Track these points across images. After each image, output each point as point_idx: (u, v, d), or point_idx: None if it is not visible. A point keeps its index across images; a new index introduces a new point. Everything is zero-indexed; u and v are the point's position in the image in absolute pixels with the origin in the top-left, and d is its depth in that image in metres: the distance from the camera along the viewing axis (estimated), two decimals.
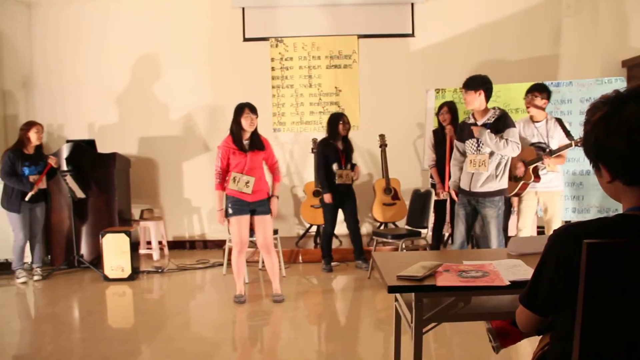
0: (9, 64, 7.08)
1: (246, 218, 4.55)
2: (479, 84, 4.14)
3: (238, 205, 4.51)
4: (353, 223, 5.80)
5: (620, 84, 5.34)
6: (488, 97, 4.20)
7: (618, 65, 6.09)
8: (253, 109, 4.50)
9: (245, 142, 4.52)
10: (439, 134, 5.65)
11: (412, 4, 6.99)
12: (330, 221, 5.73)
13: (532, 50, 6.82)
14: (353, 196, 5.80)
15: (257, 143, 4.55)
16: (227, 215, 4.58)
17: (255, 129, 4.55)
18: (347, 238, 6.22)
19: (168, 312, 4.68)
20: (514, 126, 4.14)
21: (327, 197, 5.63)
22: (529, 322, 1.47)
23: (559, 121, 4.58)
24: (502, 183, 4.23)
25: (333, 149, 5.68)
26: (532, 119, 4.64)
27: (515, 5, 6.87)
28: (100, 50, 7.09)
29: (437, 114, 5.71)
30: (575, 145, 4.30)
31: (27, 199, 5.45)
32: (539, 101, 4.56)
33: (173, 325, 4.20)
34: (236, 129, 4.51)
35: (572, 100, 5.42)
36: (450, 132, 5.22)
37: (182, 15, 7.06)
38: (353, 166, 5.80)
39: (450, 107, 5.49)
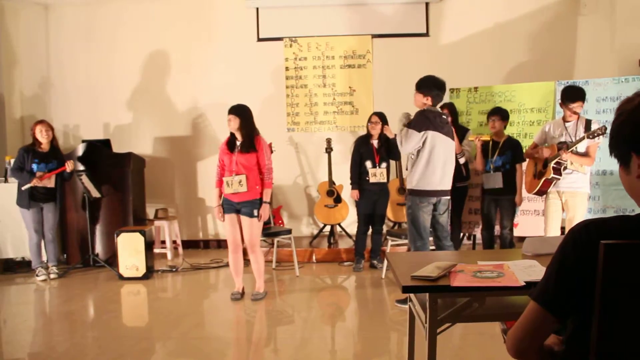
0: (26, 65, 7.17)
1: (234, 217, 4.67)
2: (429, 88, 4.32)
3: (227, 205, 4.67)
4: (379, 224, 5.78)
5: (637, 83, 5.27)
6: (436, 103, 4.35)
7: (635, 64, 6.00)
8: (231, 111, 4.62)
9: (238, 143, 4.63)
10: None
11: (427, 4, 6.95)
12: (363, 219, 5.71)
13: (547, 50, 6.75)
14: (386, 196, 5.78)
15: (246, 144, 4.58)
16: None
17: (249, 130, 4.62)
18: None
19: (182, 311, 4.70)
20: (412, 127, 4.22)
21: (353, 194, 5.68)
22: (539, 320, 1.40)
23: (587, 122, 4.46)
24: (412, 182, 4.28)
25: (367, 147, 5.68)
26: (563, 119, 4.55)
27: (531, 4, 6.80)
28: (115, 51, 7.15)
29: None
30: (587, 137, 4.22)
31: (23, 188, 5.49)
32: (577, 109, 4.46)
33: (187, 324, 4.22)
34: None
35: (588, 100, 5.34)
36: None
37: (196, 16, 7.09)
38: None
39: (450, 109, 5.48)
